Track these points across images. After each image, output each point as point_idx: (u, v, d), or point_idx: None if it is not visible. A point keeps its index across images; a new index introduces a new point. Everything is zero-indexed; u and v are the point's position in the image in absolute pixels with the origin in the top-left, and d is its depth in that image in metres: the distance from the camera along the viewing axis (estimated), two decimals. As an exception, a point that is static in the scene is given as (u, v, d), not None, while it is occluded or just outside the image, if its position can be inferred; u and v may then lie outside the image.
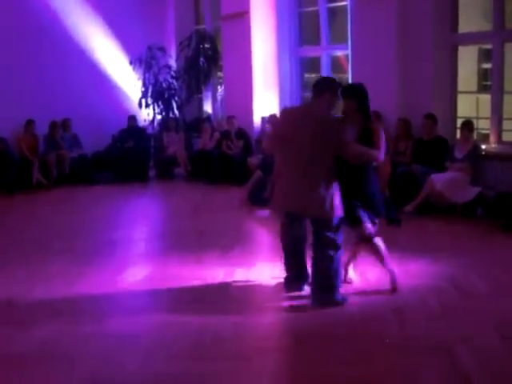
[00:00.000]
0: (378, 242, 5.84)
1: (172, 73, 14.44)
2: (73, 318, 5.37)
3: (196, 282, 6.22)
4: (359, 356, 4.50)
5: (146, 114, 14.28)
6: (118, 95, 14.56)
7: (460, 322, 5.04)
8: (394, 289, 5.83)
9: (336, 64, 12.92)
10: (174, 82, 14.45)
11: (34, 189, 12.15)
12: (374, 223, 5.81)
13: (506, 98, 9.69)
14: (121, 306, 5.75)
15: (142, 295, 6.08)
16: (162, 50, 14.24)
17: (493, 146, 9.57)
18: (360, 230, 5.72)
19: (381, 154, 5.75)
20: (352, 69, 10.86)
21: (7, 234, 8.67)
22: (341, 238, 5.61)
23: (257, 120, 12.79)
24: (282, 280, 6.04)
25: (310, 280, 5.84)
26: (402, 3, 9.92)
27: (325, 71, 12.22)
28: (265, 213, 9.40)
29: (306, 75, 13.41)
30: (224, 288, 6.07)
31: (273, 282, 6.19)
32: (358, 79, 10.59)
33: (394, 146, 9.95)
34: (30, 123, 12.80)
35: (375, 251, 5.87)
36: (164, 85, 14.32)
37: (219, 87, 15.01)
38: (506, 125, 9.82)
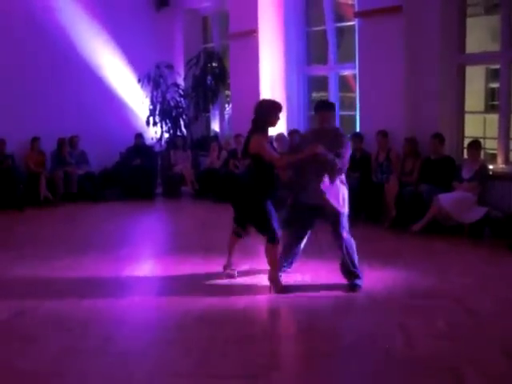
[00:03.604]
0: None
1: (180, 91, 14.48)
2: (79, 334, 5.37)
3: (203, 300, 6.21)
4: (365, 374, 4.48)
5: (154, 132, 14.32)
6: (125, 113, 14.64)
7: (467, 342, 5.00)
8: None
9: (343, 83, 12.96)
10: (182, 100, 14.49)
11: (41, 205, 12.18)
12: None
13: (514, 118, 9.69)
14: (127, 323, 5.73)
15: (149, 312, 6.08)
16: (170, 68, 14.31)
17: (500, 166, 9.55)
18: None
19: None
20: (359, 88, 10.88)
21: (14, 249, 8.67)
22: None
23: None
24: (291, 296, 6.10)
25: None
26: (409, 23, 9.95)
27: (332, 90, 12.25)
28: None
29: (314, 94, 13.46)
30: (232, 304, 6.06)
31: (280, 298, 6.19)
32: (365, 99, 10.70)
33: (401, 166, 9.96)
34: (35, 140, 12.86)
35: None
36: (172, 103, 14.36)
37: (227, 106, 15.07)
38: (513, 145, 9.81)
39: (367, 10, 10.50)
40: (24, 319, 5.79)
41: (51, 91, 13.33)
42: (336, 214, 6.40)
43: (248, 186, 6.52)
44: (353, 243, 6.52)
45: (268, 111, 6.43)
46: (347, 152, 6.50)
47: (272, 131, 12.37)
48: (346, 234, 6.46)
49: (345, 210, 6.47)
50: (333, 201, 6.34)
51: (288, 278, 6.73)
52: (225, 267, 7.05)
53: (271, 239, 6.39)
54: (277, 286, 6.40)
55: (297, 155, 6.55)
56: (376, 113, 10.49)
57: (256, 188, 6.39)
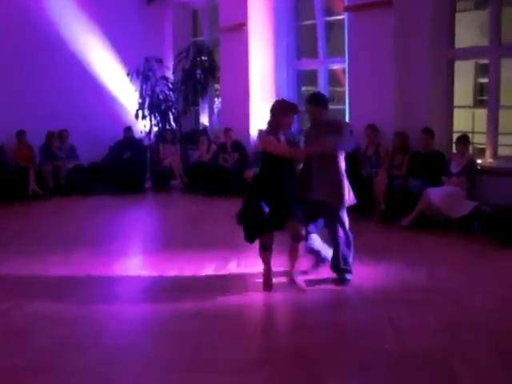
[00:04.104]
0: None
1: (169, 84, 14.45)
2: (69, 329, 5.35)
3: (193, 294, 6.20)
4: (358, 369, 4.50)
5: (143, 126, 14.30)
6: (115, 106, 14.61)
7: (457, 336, 5.03)
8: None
9: (333, 77, 12.96)
10: (171, 93, 14.47)
11: (30, 199, 12.14)
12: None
13: (502, 112, 9.73)
14: (117, 318, 5.72)
15: (139, 307, 6.06)
16: (160, 61, 14.28)
17: (488, 160, 9.60)
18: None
19: None
20: (349, 82, 10.90)
21: (2, 244, 8.63)
22: None
23: (253, 132, 12.79)
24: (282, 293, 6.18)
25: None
26: (399, 18, 9.97)
27: (322, 84, 12.27)
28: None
29: (303, 88, 13.46)
30: (222, 300, 6.06)
31: (271, 295, 6.21)
32: (354, 93, 10.72)
33: (391, 160, 9.99)
34: (20, 134, 12.78)
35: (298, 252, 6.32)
36: (161, 96, 14.34)
37: (216, 99, 15.06)
38: (501, 139, 9.85)
39: (357, 4, 10.52)
40: (12, 315, 5.76)
41: (40, 85, 13.27)
42: (334, 210, 6.40)
43: (253, 182, 6.53)
44: (350, 239, 6.50)
45: (278, 112, 6.34)
46: (347, 133, 6.45)
47: (261, 125, 12.46)
48: (341, 231, 6.43)
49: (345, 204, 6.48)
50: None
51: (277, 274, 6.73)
52: (290, 274, 6.52)
53: (261, 247, 6.40)
54: (265, 283, 6.41)
55: (309, 148, 6.53)
56: (365, 107, 10.51)
57: (255, 185, 6.39)
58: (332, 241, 6.48)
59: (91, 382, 4.39)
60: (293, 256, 6.32)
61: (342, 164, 6.46)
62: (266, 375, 4.45)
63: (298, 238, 6.20)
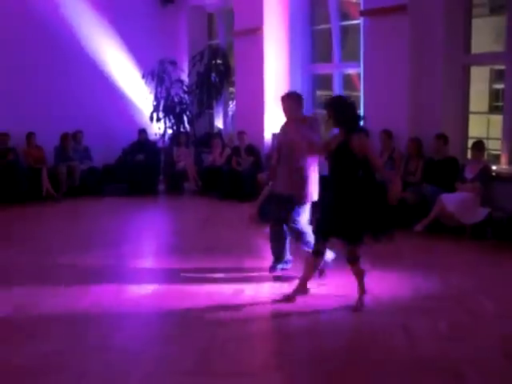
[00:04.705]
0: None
1: (184, 87, 14.47)
2: (78, 331, 5.37)
3: (204, 298, 6.21)
4: (368, 375, 4.48)
5: (157, 128, 14.32)
6: (129, 108, 14.63)
7: (469, 343, 5.01)
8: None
9: (348, 82, 12.94)
10: (186, 96, 14.49)
11: (44, 200, 12.17)
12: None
13: (518, 119, 9.66)
14: (126, 321, 5.74)
15: (149, 310, 6.07)
16: (175, 64, 14.28)
17: (503, 167, 9.54)
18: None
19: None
20: (364, 87, 10.87)
21: (14, 245, 8.68)
22: None
23: (267, 136, 12.79)
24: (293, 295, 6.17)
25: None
26: (414, 23, 9.93)
27: (336, 89, 12.24)
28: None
29: (318, 92, 13.44)
30: (232, 304, 6.06)
31: (282, 298, 6.19)
32: (369, 98, 10.69)
33: (405, 166, 9.94)
34: (30, 136, 12.79)
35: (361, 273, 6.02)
36: (175, 99, 14.36)
37: (230, 103, 15.06)
38: (517, 146, 9.78)
39: (373, 9, 10.48)
40: (24, 315, 5.79)
41: (55, 86, 13.33)
42: (292, 203, 6.57)
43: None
44: (306, 235, 6.62)
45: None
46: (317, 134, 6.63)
47: (275, 129, 12.45)
48: (299, 225, 6.63)
49: (307, 200, 6.65)
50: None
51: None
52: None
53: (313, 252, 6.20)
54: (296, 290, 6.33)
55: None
56: (380, 112, 10.48)
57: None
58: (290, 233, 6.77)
59: (99, 383, 4.41)
60: (357, 276, 6.02)
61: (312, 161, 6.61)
62: (277, 379, 4.44)
63: (350, 260, 5.92)
